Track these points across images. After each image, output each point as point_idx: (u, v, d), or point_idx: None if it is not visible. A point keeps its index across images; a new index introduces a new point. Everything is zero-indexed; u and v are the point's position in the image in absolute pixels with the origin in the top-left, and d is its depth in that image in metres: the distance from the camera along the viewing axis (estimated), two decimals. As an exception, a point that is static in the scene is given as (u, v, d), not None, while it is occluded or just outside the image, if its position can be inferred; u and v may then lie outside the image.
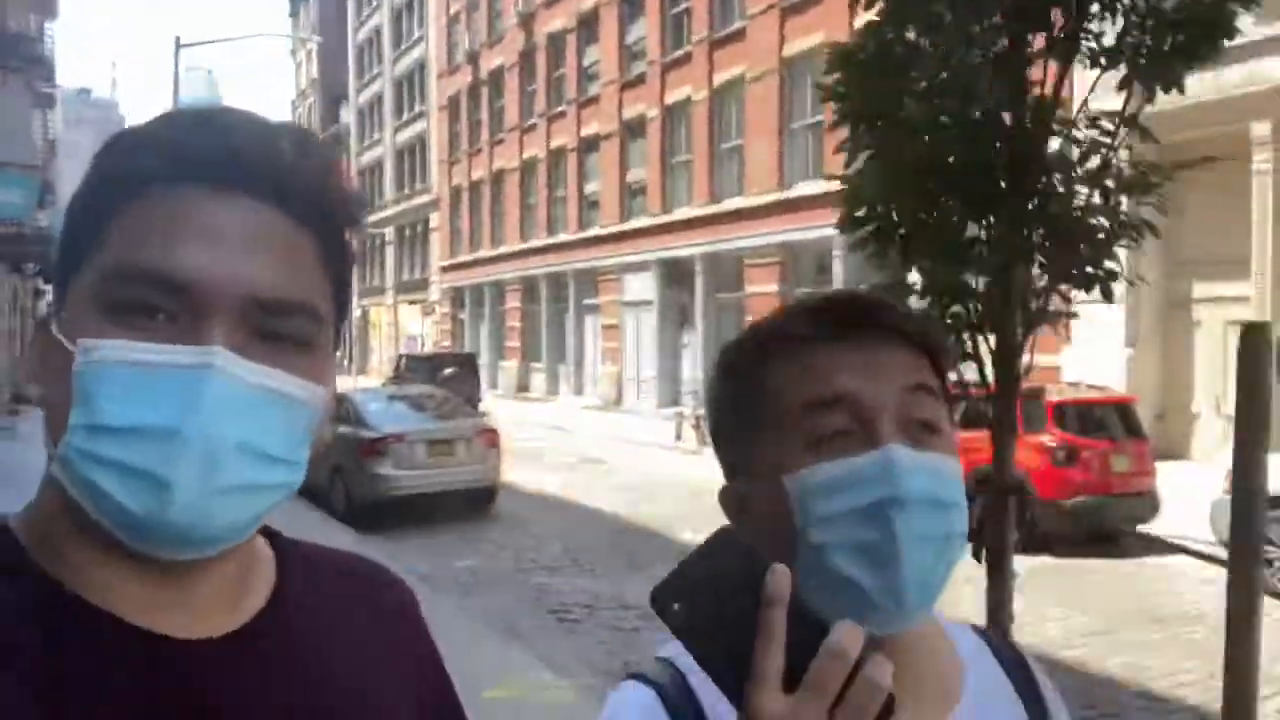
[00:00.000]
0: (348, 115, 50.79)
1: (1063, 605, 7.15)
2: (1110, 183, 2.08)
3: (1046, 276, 2.08)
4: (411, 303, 41.34)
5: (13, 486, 1.62)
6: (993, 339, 2.13)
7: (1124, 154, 2.34)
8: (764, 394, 0.81)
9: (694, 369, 22.52)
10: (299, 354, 0.64)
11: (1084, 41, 2.01)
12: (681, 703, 0.79)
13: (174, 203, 0.62)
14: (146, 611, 0.63)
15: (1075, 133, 2.08)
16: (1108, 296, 2.23)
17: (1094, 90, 2.35)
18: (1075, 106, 2.37)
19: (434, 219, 39.24)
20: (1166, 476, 9.71)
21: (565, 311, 29.54)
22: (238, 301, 0.61)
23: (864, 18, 2.14)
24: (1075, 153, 2.29)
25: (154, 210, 0.62)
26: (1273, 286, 12.12)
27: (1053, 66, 2.20)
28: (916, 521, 0.73)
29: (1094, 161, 2.21)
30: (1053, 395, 9.53)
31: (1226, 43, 2.28)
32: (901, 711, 0.58)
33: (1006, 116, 2.12)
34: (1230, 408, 2.32)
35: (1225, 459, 2.66)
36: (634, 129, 25.85)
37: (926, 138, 2.05)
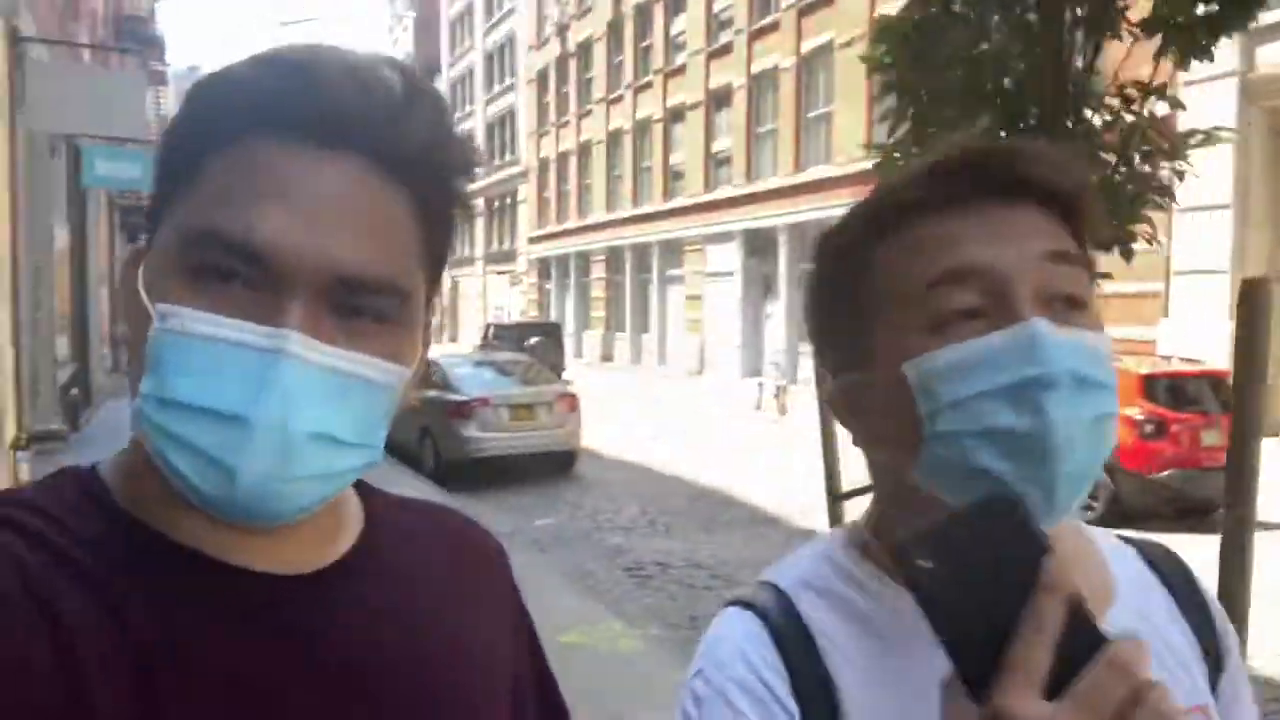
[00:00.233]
0: (441, 88, 51.69)
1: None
2: (1135, 152, 2.12)
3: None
4: (500, 273, 42.15)
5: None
6: None
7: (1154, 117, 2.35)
8: (876, 273, 0.72)
9: (776, 339, 22.48)
10: (381, 330, 0.61)
11: (1119, 13, 2.05)
12: (789, 629, 0.73)
13: (261, 159, 0.59)
14: (233, 552, 0.62)
15: (1108, 101, 2.12)
16: (1126, 257, 2.28)
17: (1126, 61, 2.37)
18: (1111, 77, 2.39)
19: (522, 190, 39.83)
20: (1272, 453, 9.38)
21: (649, 282, 29.75)
22: (318, 277, 0.58)
23: None
24: (1099, 122, 2.32)
25: (239, 166, 0.59)
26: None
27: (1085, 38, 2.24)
28: (1067, 404, 0.64)
29: (1120, 130, 2.24)
30: (1143, 368, 9.35)
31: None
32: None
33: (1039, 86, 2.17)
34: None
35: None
36: (720, 99, 25.73)
37: (963, 107, 2.13)
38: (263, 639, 0.61)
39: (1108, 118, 2.16)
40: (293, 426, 0.57)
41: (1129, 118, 2.13)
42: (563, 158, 36.01)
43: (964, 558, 0.54)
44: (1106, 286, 2.13)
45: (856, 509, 2.55)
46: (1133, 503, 8.66)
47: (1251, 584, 2.24)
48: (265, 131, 0.59)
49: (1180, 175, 2.18)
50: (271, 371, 0.56)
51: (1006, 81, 2.02)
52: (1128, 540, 0.84)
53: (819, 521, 8.32)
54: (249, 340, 0.57)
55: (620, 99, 31.17)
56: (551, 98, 36.71)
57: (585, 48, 33.61)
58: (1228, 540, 2.09)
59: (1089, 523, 0.86)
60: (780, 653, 0.72)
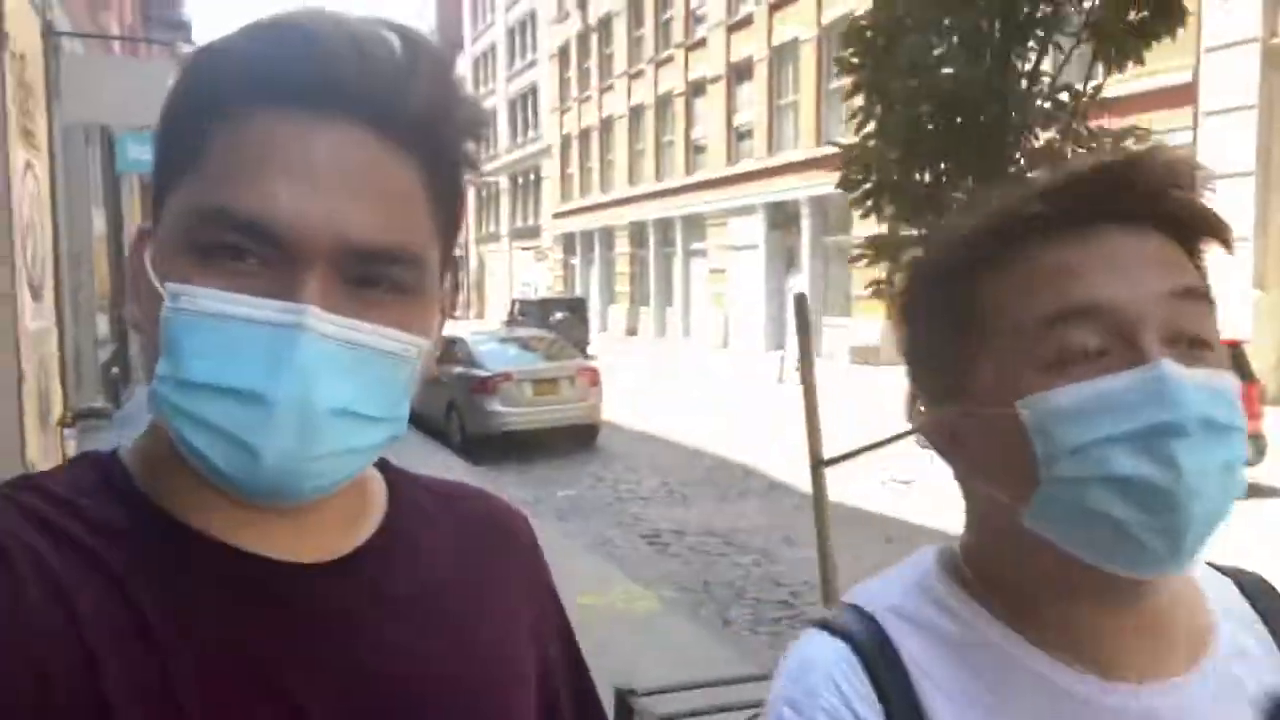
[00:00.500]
0: (463, 65, 51.83)
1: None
2: (1068, 150, 2.27)
3: None
4: (525, 249, 42.40)
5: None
6: None
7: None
8: (984, 304, 0.68)
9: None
10: (398, 301, 0.60)
11: (1056, 22, 2.20)
12: (880, 657, 0.70)
13: (265, 132, 0.58)
14: (252, 538, 0.62)
15: (1039, 105, 2.27)
16: None
17: (1064, 66, 2.51)
18: (1055, 84, 2.54)
19: (545, 166, 39.95)
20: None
21: (673, 256, 29.85)
22: (331, 249, 0.57)
23: None
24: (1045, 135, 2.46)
25: (242, 139, 0.58)
26: None
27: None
28: (1197, 451, 0.61)
29: (1052, 131, 2.38)
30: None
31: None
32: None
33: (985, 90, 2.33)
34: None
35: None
36: (741, 71, 25.66)
37: (922, 107, 2.30)
38: (273, 627, 0.61)
39: (1049, 134, 2.31)
40: (314, 403, 0.56)
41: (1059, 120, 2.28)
42: (585, 133, 36.06)
43: None
44: None
45: (835, 475, 2.75)
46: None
47: None
48: (267, 102, 0.58)
49: None
50: (290, 348, 0.55)
51: (952, 86, 2.18)
52: (1222, 570, 0.80)
53: (834, 489, 8.50)
54: (265, 317, 0.56)
55: (641, 73, 31.13)
56: (573, 73, 36.70)
57: (605, 22, 33.54)
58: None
59: None
60: (873, 682, 0.68)
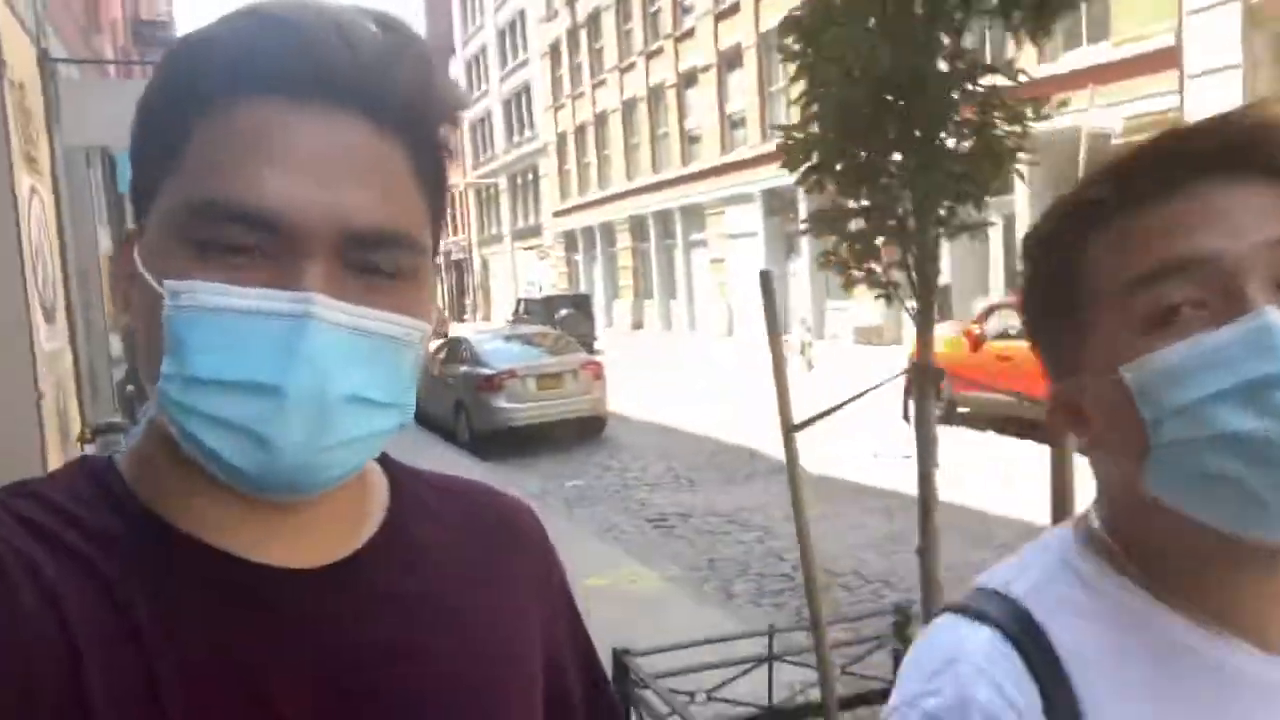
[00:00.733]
0: (455, 69, 52.02)
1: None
2: (990, 122, 2.41)
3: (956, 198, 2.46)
4: (528, 249, 42.60)
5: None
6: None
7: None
8: (1088, 271, 0.67)
9: (802, 296, 22.70)
10: (397, 286, 0.60)
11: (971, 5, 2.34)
12: (1029, 642, 0.66)
13: (254, 122, 0.57)
14: (251, 543, 0.62)
15: (963, 85, 2.42)
16: (979, 208, 2.58)
17: (983, 45, 2.64)
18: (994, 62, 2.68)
19: (543, 165, 40.12)
20: None
21: (674, 247, 29.99)
22: (332, 236, 0.57)
23: None
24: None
25: (229, 131, 0.58)
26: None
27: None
28: None
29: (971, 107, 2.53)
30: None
31: None
32: None
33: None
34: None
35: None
36: (731, 60, 25.75)
37: (851, 91, 2.47)
38: (260, 632, 0.60)
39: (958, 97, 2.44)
40: (328, 391, 0.56)
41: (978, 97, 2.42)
42: (580, 129, 36.19)
43: None
44: None
45: (806, 439, 2.93)
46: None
47: None
48: (252, 91, 0.58)
49: (1025, 149, 2.47)
50: (299, 337, 0.55)
51: (878, 70, 2.34)
52: None
53: (836, 469, 8.70)
54: (272, 307, 0.56)
55: (633, 66, 31.24)
56: (565, 70, 36.83)
57: (594, 17, 33.64)
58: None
59: None
60: (1031, 674, 0.65)
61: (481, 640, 0.69)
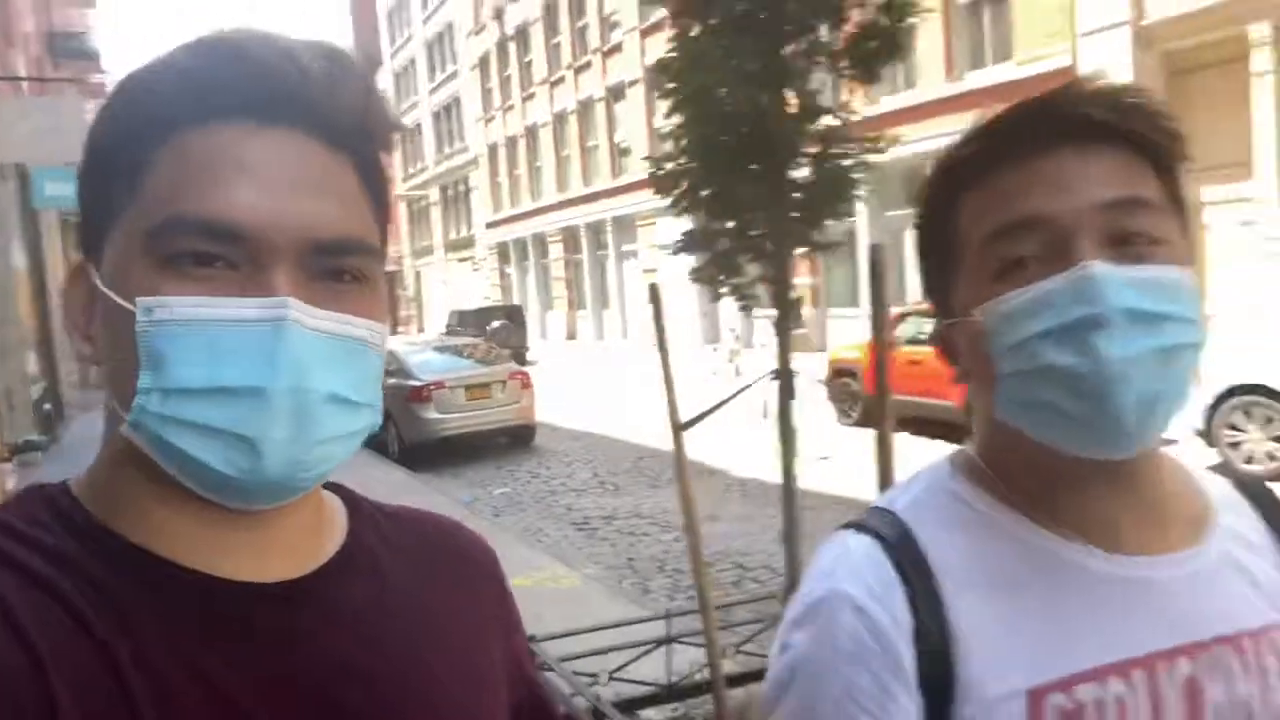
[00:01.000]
0: (384, 80, 51.59)
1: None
2: (827, 155, 2.74)
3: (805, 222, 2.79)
4: (460, 260, 42.46)
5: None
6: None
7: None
8: (954, 228, 0.77)
9: (732, 305, 23.12)
10: (359, 291, 0.63)
11: (810, 52, 2.67)
12: (906, 552, 0.75)
13: (210, 144, 0.60)
14: (213, 559, 0.62)
15: (805, 125, 2.75)
16: (819, 230, 2.93)
17: (825, 89, 3.02)
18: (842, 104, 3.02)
19: (474, 177, 40.08)
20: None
21: (606, 258, 30.26)
22: (297, 245, 0.60)
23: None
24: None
25: (190, 154, 0.60)
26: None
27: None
28: (1119, 340, 0.67)
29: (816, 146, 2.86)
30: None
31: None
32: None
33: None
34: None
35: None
36: (656, 75, 26.16)
37: (710, 128, 2.80)
38: (235, 649, 0.61)
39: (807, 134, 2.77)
40: (310, 391, 0.58)
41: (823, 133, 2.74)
42: (511, 141, 36.29)
43: None
44: None
45: (692, 436, 3.21)
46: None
47: None
48: (210, 118, 0.60)
49: (863, 181, 2.81)
50: (279, 341, 0.57)
51: (732, 111, 2.66)
52: (1224, 473, 0.87)
53: (760, 471, 9.00)
54: (247, 315, 0.58)
55: (562, 80, 31.50)
56: (495, 83, 36.91)
57: (523, 31, 33.84)
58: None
59: None
60: (899, 573, 0.74)
61: (442, 665, 0.70)
